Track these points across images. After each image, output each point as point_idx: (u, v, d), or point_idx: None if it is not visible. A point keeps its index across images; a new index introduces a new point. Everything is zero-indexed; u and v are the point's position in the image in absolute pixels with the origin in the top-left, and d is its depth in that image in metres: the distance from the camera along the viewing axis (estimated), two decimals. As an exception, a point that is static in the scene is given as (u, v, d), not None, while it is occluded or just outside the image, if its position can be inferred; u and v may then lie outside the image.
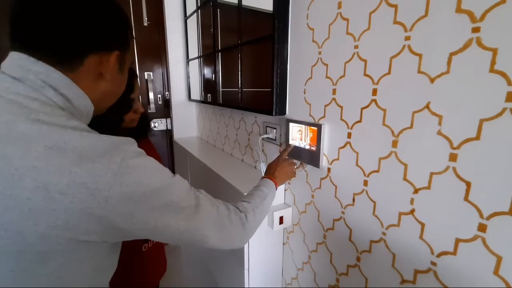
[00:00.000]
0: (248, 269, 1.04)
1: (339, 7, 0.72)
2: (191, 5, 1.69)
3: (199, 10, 1.61)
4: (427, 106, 0.55)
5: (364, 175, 0.71)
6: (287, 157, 0.92)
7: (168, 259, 1.04)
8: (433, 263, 0.58)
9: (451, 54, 0.50)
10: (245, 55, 1.17)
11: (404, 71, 0.59)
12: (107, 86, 0.46)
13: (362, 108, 0.69)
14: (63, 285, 0.39)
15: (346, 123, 0.75)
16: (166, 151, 2.07)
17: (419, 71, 0.56)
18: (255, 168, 1.25)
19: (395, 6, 0.59)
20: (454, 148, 0.52)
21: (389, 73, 0.62)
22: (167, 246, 1.63)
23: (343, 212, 0.80)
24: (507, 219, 0.46)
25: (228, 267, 1.19)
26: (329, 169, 0.83)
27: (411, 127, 0.59)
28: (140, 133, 0.88)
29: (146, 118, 0.91)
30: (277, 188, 0.79)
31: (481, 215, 0.49)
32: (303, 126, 0.88)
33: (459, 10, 0.49)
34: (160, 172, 0.44)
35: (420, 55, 0.56)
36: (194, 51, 1.76)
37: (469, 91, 0.49)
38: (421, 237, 0.60)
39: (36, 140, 0.34)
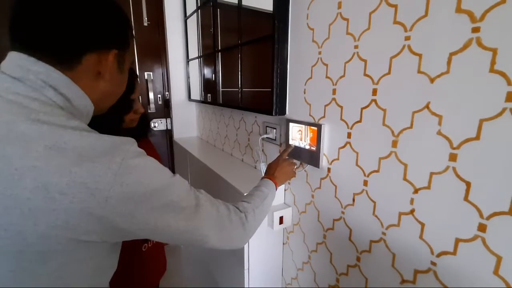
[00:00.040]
0: (248, 269, 1.04)
1: (339, 7, 0.72)
2: (191, 5, 1.69)
3: (199, 10, 1.61)
4: (427, 106, 0.55)
5: (364, 175, 0.71)
6: (287, 157, 0.92)
7: (168, 259, 1.04)
8: (433, 263, 0.58)
9: (451, 54, 0.50)
10: (245, 55, 1.17)
11: (404, 71, 0.59)
12: (107, 85, 0.46)
13: (362, 108, 0.69)
14: (63, 285, 0.39)
15: (346, 123, 0.75)
16: (166, 151, 2.07)
17: (419, 71, 0.56)
18: (255, 168, 1.25)
19: (395, 6, 0.59)
20: (454, 148, 0.52)
21: (389, 73, 0.62)
22: (167, 246, 1.63)
23: (343, 212, 0.80)
24: (507, 219, 0.46)
25: (228, 267, 1.19)
26: (329, 169, 0.83)
27: (411, 127, 0.59)
28: (140, 133, 0.88)
29: (146, 118, 0.91)
30: (277, 188, 0.79)
31: (481, 215, 0.49)
32: (303, 126, 0.88)
33: (459, 10, 0.49)
34: (160, 172, 0.44)
35: (420, 55, 0.56)
36: (194, 51, 1.76)
37: (469, 91, 0.49)
38: (421, 237, 0.60)
39: (36, 140, 0.34)
